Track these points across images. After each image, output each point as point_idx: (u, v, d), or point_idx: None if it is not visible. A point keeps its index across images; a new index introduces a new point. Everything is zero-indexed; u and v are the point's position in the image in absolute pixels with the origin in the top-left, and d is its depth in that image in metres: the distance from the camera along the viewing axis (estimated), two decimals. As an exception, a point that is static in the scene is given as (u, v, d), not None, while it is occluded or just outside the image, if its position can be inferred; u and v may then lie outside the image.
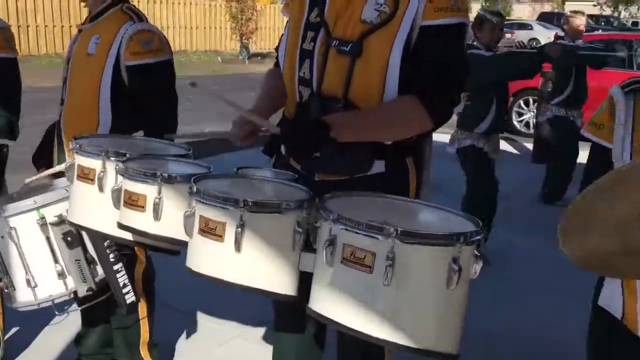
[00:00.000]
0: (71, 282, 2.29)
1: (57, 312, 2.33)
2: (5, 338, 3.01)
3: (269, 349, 2.45)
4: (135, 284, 2.54)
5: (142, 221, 1.80)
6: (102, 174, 1.95)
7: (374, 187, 1.82)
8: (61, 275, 2.27)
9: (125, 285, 2.22)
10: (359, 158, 1.94)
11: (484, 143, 4.63)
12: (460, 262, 1.43)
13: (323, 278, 1.55)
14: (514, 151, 8.69)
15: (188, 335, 3.49)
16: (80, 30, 2.68)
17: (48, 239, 2.24)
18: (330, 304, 1.52)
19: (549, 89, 6.14)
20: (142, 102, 2.56)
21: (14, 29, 4.85)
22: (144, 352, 2.83)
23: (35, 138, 2.90)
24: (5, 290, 2.35)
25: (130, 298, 2.28)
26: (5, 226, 2.22)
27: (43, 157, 2.77)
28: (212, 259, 1.62)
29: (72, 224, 2.09)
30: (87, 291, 2.29)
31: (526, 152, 8.47)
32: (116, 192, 1.85)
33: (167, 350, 3.24)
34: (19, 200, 2.26)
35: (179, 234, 1.75)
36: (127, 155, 1.93)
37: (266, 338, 3.44)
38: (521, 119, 9.83)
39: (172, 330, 3.46)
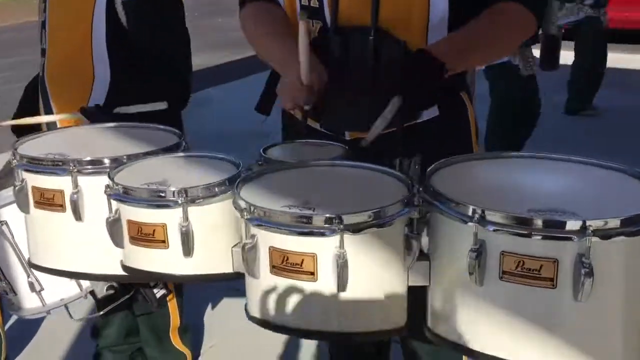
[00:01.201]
0: (86, 281, 1.82)
1: (73, 318, 1.98)
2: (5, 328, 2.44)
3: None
4: None
5: (165, 260, 1.24)
6: (75, 195, 1.35)
7: (428, 138, 1.50)
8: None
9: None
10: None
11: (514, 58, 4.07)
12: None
13: (467, 301, 1.09)
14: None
15: (223, 315, 2.99)
16: None
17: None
18: (491, 336, 1.08)
19: None
20: (145, 47, 1.93)
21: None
22: (174, 338, 2.36)
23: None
24: (6, 296, 1.89)
25: (159, 291, 1.92)
26: None
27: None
28: (298, 305, 1.11)
29: (39, 267, 1.49)
30: (107, 290, 1.83)
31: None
32: (114, 225, 1.26)
33: (201, 334, 2.84)
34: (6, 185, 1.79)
35: (219, 267, 1.23)
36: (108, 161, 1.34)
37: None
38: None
39: (206, 310, 3.01)
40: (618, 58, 6.14)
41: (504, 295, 1.06)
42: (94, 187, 1.35)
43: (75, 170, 1.34)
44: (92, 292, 1.84)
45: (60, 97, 2.00)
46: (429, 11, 1.47)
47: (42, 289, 1.80)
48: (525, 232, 1.01)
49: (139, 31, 1.91)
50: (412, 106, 1.41)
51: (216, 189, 1.23)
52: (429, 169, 1.22)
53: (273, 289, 1.11)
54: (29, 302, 1.85)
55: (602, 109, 5.57)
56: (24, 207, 1.43)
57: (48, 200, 1.39)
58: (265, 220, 1.08)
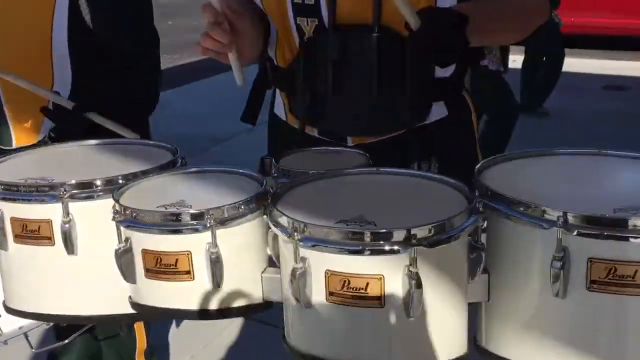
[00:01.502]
0: None
1: (34, 349, 1.73)
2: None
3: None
4: None
5: (190, 294, 1.06)
6: (67, 225, 1.15)
7: (438, 139, 1.44)
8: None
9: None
10: (413, 98, 1.40)
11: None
12: None
13: (542, 315, 0.97)
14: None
15: (190, 333, 2.81)
16: None
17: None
18: (568, 353, 0.97)
19: None
20: (112, 48, 1.72)
21: None
22: None
23: None
24: None
25: None
26: None
27: None
28: (361, 335, 0.96)
29: (19, 312, 1.27)
30: None
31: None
32: (124, 257, 1.07)
33: (168, 354, 2.70)
34: None
35: (249, 297, 1.08)
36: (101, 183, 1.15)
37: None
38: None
39: (171, 328, 2.83)
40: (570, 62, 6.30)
41: (592, 307, 0.95)
42: (88, 214, 1.16)
43: (66, 195, 1.14)
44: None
45: (14, 102, 1.76)
46: (435, 4, 1.36)
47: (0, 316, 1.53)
48: (621, 235, 0.91)
49: (101, 27, 1.70)
50: (438, 59, 1.31)
51: (243, 208, 1.06)
52: (476, 169, 1.10)
53: (330, 318, 0.96)
54: None
55: (553, 110, 5.67)
56: (1, 244, 1.21)
57: (32, 233, 1.18)
58: (320, 240, 0.93)
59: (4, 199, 1.18)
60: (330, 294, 0.94)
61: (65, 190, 1.14)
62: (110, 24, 1.70)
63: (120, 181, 1.18)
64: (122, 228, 1.06)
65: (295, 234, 0.94)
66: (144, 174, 1.21)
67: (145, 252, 1.05)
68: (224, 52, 1.34)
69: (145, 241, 1.05)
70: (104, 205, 1.15)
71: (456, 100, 1.51)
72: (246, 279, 1.08)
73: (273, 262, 1.10)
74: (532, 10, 1.45)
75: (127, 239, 1.06)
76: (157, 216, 1.04)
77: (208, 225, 1.01)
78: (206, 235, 1.02)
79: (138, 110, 1.81)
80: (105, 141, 1.43)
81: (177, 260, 1.03)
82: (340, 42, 1.38)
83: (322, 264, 0.94)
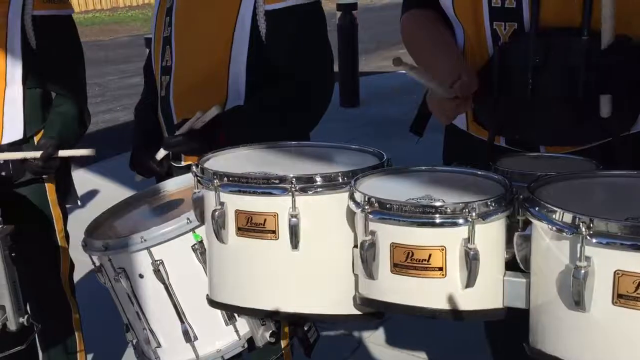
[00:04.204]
0: (244, 327, 1.49)
1: None
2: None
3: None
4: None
5: (441, 293, 1.00)
6: (294, 219, 1.12)
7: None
8: (231, 318, 1.46)
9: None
10: (620, 105, 1.31)
11: None
12: None
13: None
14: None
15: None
16: None
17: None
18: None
19: None
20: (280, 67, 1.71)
21: None
22: None
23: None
24: (144, 348, 1.58)
25: (313, 335, 1.61)
26: (145, 260, 1.44)
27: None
28: None
29: (230, 306, 1.25)
30: (270, 337, 1.51)
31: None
32: (369, 251, 1.02)
33: None
34: (152, 217, 1.55)
35: (494, 301, 1.00)
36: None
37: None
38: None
39: None
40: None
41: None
42: (313, 209, 1.13)
43: (296, 188, 1.11)
44: (250, 340, 1.53)
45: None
46: None
47: (197, 337, 1.50)
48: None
49: (279, 57, 1.68)
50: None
51: (495, 205, 1.00)
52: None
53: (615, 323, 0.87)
54: (177, 354, 1.53)
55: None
56: (220, 236, 1.20)
57: (257, 226, 1.16)
58: (608, 236, 0.85)
59: (230, 192, 1.17)
60: (619, 296, 0.86)
61: (293, 184, 1.12)
62: (287, 55, 1.68)
63: (340, 179, 1.14)
64: (369, 222, 1.01)
65: (583, 230, 0.86)
66: (363, 171, 1.17)
67: (394, 246, 1.00)
68: None
69: (395, 234, 1.00)
70: (327, 201, 1.12)
71: None
72: (495, 280, 1.01)
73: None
74: None
75: (372, 232, 1.02)
76: (409, 208, 0.99)
77: (469, 219, 0.95)
78: (463, 231, 0.96)
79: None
80: (300, 143, 1.43)
81: (430, 255, 0.98)
82: (543, 47, 1.32)
83: (611, 265, 0.86)
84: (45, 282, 2.07)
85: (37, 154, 1.83)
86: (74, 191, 2.13)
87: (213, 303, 1.29)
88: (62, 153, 1.86)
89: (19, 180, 1.95)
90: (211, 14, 1.71)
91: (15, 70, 1.88)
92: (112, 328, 2.58)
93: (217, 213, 1.17)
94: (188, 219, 1.39)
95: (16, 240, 1.66)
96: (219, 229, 1.18)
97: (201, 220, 1.29)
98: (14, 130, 1.91)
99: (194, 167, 1.27)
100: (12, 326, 1.67)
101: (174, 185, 1.75)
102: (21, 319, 1.68)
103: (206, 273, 1.38)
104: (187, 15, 1.77)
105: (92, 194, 4.42)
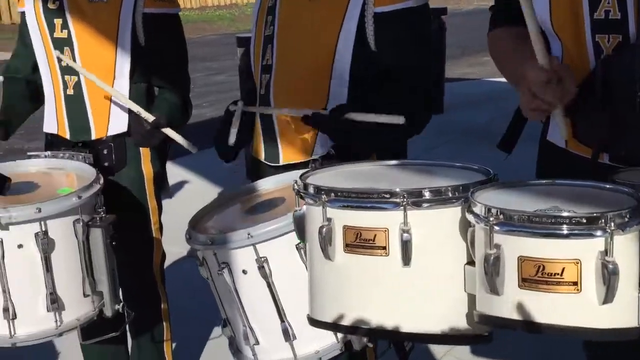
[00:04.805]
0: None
1: None
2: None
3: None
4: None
5: (574, 309, 0.94)
6: (406, 234, 1.08)
7: None
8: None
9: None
10: None
11: None
12: None
13: None
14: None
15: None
16: None
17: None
18: None
19: None
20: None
21: None
22: None
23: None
24: (242, 344, 1.56)
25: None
26: (250, 256, 1.45)
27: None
28: None
29: (332, 325, 1.22)
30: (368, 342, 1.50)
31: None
32: (495, 265, 0.98)
33: None
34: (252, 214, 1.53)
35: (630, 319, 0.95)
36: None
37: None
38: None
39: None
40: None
41: None
42: (425, 224, 1.10)
43: (407, 203, 1.08)
44: (348, 343, 1.50)
45: (289, 118, 1.74)
46: None
47: (295, 337, 1.49)
48: None
49: (384, 51, 1.64)
50: None
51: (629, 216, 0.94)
52: None
53: None
54: (275, 353, 1.53)
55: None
56: (326, 253, 1.17)
57: (366, 242, 1.13)
58: None
59: (338, 207, 1.14)
60: None
61: (405, 198, 1.08)
62: (396, 59, 1.64)
63: (450, 193, 1.11)
64: (492, 233, 0.97)
65: None
66: (474, 185, 1.13)
67: (522, 260, 0.95)
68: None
69: (523, 247, 0.95)
70: (438, 216, 1.08)
71: None
72: (632, 297, 0.95)
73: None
74: None
75: (497, 245, 0.97)
76: (538, 219, 0.94)
77: (607, 230, 0.89)
78: (599, 243, 0.91)
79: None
80: (404, 162, 1.39)
81: (563, 269, 0.92)
82: None
83: None
84: (139, 271, 2.12)
85: (150, 117, 1.88)
86: (167, 184, 2.18)
87: (316, 322, 1.26)
88: (167, 131, 1.89)
89: (120, 171, 2.01)
90: (317, 13, 1.69)
91: (124, 65, 1.94)
92: (193, 320, 2.64)
93: (324, 229, 1.15)
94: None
95: (116, 229, 1.72)
96: (325, 246, 1.15)
97: (302, 237, 1.27)
98: (119, 123, 1.96)
99: (295, 183, 1.25)
100: (108, 312, 1.74)
101: (272, 184, 1.75)
102: (117, 306, 1.76)
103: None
104: (291, 13, 1.74)
105: (177, 187, 4.56)
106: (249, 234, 1.41)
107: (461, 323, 1.10)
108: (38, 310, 1.62)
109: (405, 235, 1.08)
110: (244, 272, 1.46)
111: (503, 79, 1.57)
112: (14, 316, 1.60)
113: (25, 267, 1.60)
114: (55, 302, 1.62)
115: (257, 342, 1.52)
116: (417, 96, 1.66)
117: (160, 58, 1.99)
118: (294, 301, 1.45)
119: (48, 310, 1.62)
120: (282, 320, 1.48)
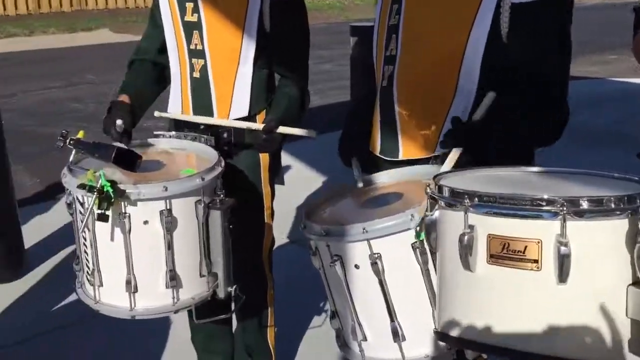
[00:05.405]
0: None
1: None
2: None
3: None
4: None
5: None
6: (563, 247, 1.01)
7: None
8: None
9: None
10: None
11: None
12: None
13: None
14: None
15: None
16: None
17: (427, 271, 1.36)
18: None
19: None
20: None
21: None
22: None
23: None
24: (351, 339, 1.53)
25: None
26: (364, 251, 1.40)
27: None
28: None
29: (461, 340, 1.16)
30: None
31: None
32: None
33: None
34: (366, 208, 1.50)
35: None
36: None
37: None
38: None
39: None
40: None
41: None
42: (585, 236, 1.01)
43: (568, 212, 1.00)
44: (460, 351, 1.42)
45: (411, 111, 1.69)
46: None
47: (405, 339, 1.45)
48: None
49: (520, 45, 1.54)
50: None
51: None
52: None
53: None
54: (383, 352, 1.49)
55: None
56: (466, 263, 1.10)
57: (515, 254, 1.05)
58: None
59: (483, 213, 1.08)
60: None
61: (565, 206, 1.01)
62: (533, 54, 1.55)
63: (613, 204, 1.02)
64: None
65: None
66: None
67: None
68: None
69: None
70: (597, 228, 1.01)
71: None
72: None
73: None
74: None
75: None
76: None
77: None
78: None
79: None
80: (548, 170, 1.29)
81: None
82: None
83: None
84: (250, 255, 2.15)
85: (260, 126, 1.90)
86: (281, 172, 2.19)
87: (445, 337, 1.19)
88: (283, 129, 1.89)
89: (238, 155, 2.04)
90: (448, 2, 1.61)
91: (249, 51, 1.96)
92: (292, 307, 2.65)
93: (465, 237, 1.08)
94: (412, 215, 1.33)
95: (233, 213, 1.74)
96: (465, 255, 1.09)
97: (435, 246, 1.21)
98: (241, 108, 1.99)
99: (428, 187, 1.20)
100: (221, 294, 1.77)
101: (387, 179, 1.71)
102: (229, 289, 1.78)
103: (423, 274, 1.33)
104: (419, 2, 1.68)
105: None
106: (364, 229, 1.37)
107: (621, 353, 1.01)
108: (158, 286, 1.67)
109: (563, 248, 1.01)
110: (357, 266, 1.42)
111: (629, 79, 1.46)
112: (135, 290, 1.65)
113: (149, 243, 1.65)
114: (174, 279, 1.66)
115: (365, 339, 1.49)
116: (556, 95, 1.56)
117: (284, 45, 1.99)
118: (406, 301, 1.41)
119: (167, 287, 1.66)
120: (392, 320, 1.44)
